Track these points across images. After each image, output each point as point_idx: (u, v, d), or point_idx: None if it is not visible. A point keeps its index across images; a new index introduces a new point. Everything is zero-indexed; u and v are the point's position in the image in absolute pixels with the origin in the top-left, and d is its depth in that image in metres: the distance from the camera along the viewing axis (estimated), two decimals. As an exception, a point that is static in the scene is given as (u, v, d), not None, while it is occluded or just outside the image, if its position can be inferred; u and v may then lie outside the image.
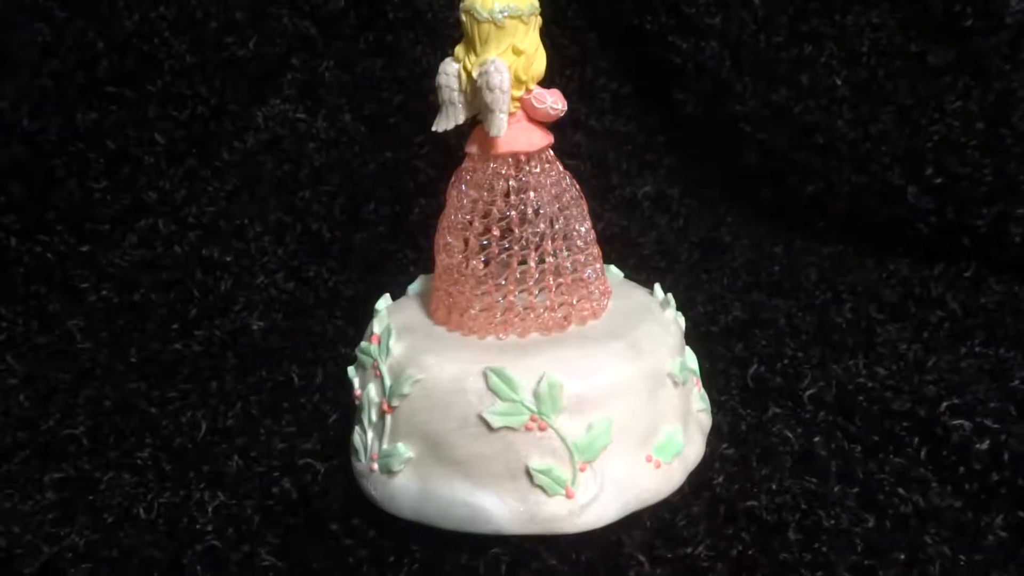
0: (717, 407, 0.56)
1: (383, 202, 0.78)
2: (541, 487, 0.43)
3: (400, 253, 0.78)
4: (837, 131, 0.74)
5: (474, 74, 0.44)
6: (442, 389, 0.44)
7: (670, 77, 0.79)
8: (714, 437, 0.52)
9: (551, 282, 0.47)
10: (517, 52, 0.44)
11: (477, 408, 0.43)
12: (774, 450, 0.52)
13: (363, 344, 0.49)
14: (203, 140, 0.74)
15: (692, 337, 0.53)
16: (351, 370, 0.50)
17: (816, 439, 0.53)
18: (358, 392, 0.49)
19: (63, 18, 0.70)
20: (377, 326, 0.49)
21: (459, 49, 0.45)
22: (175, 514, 0.51)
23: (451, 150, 0.79)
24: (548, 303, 0.47)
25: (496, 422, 0.43)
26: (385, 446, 0.46)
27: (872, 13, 0.72)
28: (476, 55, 0.44)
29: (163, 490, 0.53)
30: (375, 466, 0.47)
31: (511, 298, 0.47)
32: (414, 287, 0.55)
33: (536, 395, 0.43)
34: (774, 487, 0.49)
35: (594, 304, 0.49)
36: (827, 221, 0.80)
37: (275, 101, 0.75)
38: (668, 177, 0.84)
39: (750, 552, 0.45)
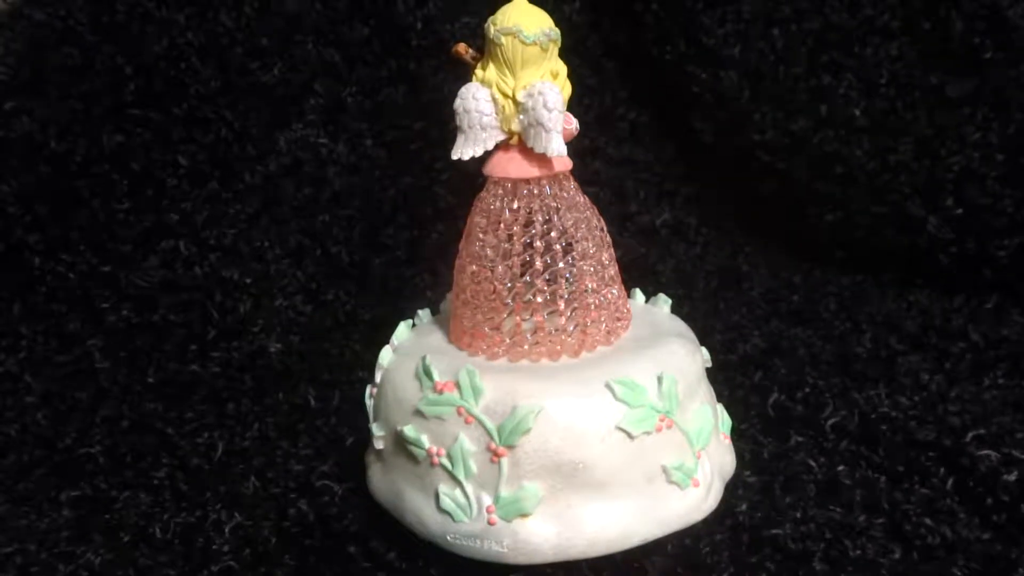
0: (738, 435, 0.55)
1: (402, 227, 0.78)
2: (676, 483, 0.45)
3: (418, 278, 0.78)
4: (856, 161, 0.74)
5: (519, 96, 0.44)
6: (570, 412, 0.43)
7: (689, 107, 0.80)
8: (736, 465, 0.51)
9: (610, 294, 0.48)
10: (554, 74, 0.45)
11: (611, 421, 0.43)
12: (797, 479, 0.52)
13: (431, 396, 0.45)
14: (226, 163, 0.75)
15: (711, 377, 0.52)
16: (409, 430, 0.45)
17: (840, 468, 0.52)
18: (436, 449, 0.44)
19: (93, 42, 0.72)
20: (440, 374, 0.45)
21: (488, 73, 0.45)
22: (191, 534, 0.51)
23: (471, 176, 0.80)
24: (607, 314, 0.48)
25: (635, 430, 0.43)
26: (504, 493, 0.43)
27: (891, 45, 0.72)
28: (514, 78, 0.45)
29: (179, 510, 0.53)
30: (494, 519, 0.43)
31: (592, 311, 0.47)
32: (400, 335, 0.51)
33: (661, 395, 0.44)
34: (798, 516, 0.48)
35: (627, 310, 0.50)
36: (846, 251, 0.79)
37: (298, 126, 0.76)
38: (686, 206, 0.84)
39: (775, 581, 0.44)
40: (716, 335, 0.70)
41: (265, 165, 0.75)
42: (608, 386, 0.44)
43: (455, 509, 0.44)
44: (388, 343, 0.50)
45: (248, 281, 0.74)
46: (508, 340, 0.47)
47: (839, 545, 0.46)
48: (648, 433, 0.44)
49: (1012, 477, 0.49)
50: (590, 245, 0.47)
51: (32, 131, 0.71)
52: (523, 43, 0.44)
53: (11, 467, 0.59)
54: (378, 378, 0.49)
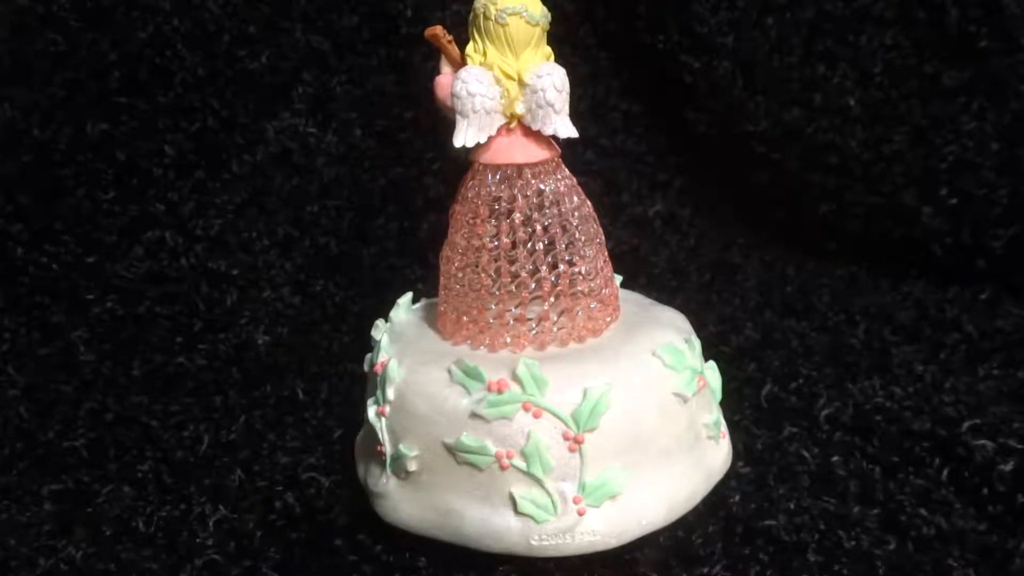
0: (731, 426, 0.54)
1: (392, 218, 0.78)
2: (712, 438, 0.47)
3: (408, 269, 0.77)
4: (850, 151, 0.74)
5: (526, 77, 0.44)
6: (636, 386, 0.43)
7: (682, 96, 0.79)
8: (730, 455, 0.50)
9: (611, 271, 0.49)
10: (547, 56, 0.45)
11: (668, 388, 0.44)
12: (791, 470, 0.51)
13: (491, 397, 0.42)
14: (213, 152, 0.74)
15: (704, 356, 0.52)
16: (468, 438, 0.42)
17: (834, 459, 0.52)
18: (505, 452, 0.42)
19: (77, 28, 0.71)
20: (493, 372, 0.43)
21: (489, 55, 0.44)
22: (175, 528, 0.50)
23: (462, 166, 0.79)
24: (611, 291, 0.48)
25: (687, 393, 0.45)
26: (590, 479, 0.42)
27: (886, 34, 0.72)
28: (516, 59, 0.44)
29: (163, 504, 0.52)
30: (584, 508, 0.42)
31: (607, 288, 0.48)
32: (388, 349, 0.48)
33: (695, 356, 0.46)
34: (792, 507, 0.48)
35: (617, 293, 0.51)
36: (840, 242, 0.79)
37: (286, 115, 0.75)
38: (679, 197, 0.84)
39: (769, 573, 0.43)
40: (709, 327, 0.69)
41: (253, 154, 0.75)
42: (656, 355, 0.45)
43: (536, 510, 0.42)
44: (383, 352, 0.47)
45: (235, 272, 0.74)
46: (535, 327, 0.46)
47: (833, 536, 0.45)
48: (694, 395, 0.45)
49: (1008, 467, 0.48)
50: (594, 224, 0.47)
51: (14, 118, 0.71)
52: (528, 23, 0.43)
53: (-7, 460, 0.58)
54: (391, 395, 0.45)
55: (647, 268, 0.79)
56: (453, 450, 0.42)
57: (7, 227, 0.72)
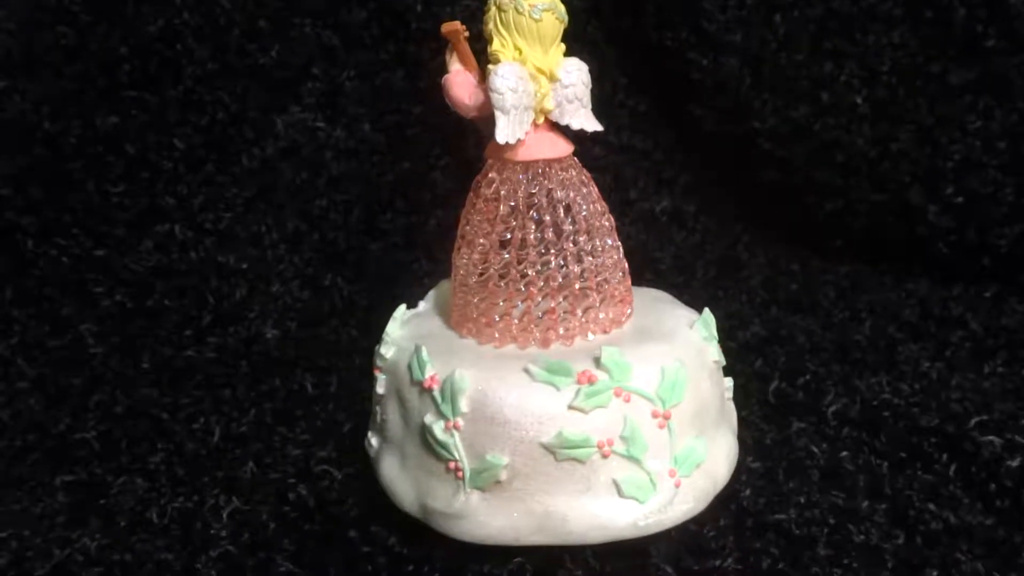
0: (740, 422, 0.55)
1: (400, 213, 0.78)
2: (730, 400, 0.51)
3: (416, 264, 0.77)
4: (857, 149, 0.74)
5: (558, 73, 0.44)
6: (695, 359, 0.46)
7: (689, 93, 0.79)
8: (739, 450, 0.51)
9: (626, 267, 0.49)
10: (563, 52, 0.45)
11: (710, 357, 0.48)
12: (800, 464, 0.52)
13: (587, 388, 0.42)
14: (222, 146, 0.74)
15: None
16: (570, 434, 0.42)
17: (842, 454, 0.52)
18: (606, 440, 0.42)
19: (87, 21, 0.70)
20: (576, 366, 0.43)
21: (523, 51, 0.44)
22: (189, 519, 0.50)
23: (469, 162, 0.79)
24: (623, 288, 0.49)
25: (721, 359, 0.49)
26: (679, 452, 0.44)
27: (893, 33, 0.72)
28: (546, 55, 0.44)
29: (176, 495, 0.52)
30: (679, 480, 0.43)
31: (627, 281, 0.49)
32: (431, 365, 0.45)
33: (715, 328, 0.50)
34: (802, 501, 0.48)
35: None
36: (845, 240, 0.79)
37: (295, 109, 0.75)
38: (685, 193, 0.84)
39: (780, 566, 0.44)
40: (716, 322, 0.69)
41: (262, 149, 0.75)
42: (694, 329, 0.48)
43: (638, 491, 0.43)
44: (423, 363, 0.45)
45: (244, 266, 0.74)
46: (582, 316, 0.46)
47: (843, 530, 0.46)
48: (722, 361, 0.50)
49: (1015, 463, 0.49)
50: (611, 214, 0.48)
51: (25, 111, 0.70)
52: (558, 20, 0.44)
53: (4, 452, 0.58)
54: (464, 407, 0.43)
55: (654, 264, 0.79)
56: (552, 448, 0.42)
57: (17, 220, 0.72)
